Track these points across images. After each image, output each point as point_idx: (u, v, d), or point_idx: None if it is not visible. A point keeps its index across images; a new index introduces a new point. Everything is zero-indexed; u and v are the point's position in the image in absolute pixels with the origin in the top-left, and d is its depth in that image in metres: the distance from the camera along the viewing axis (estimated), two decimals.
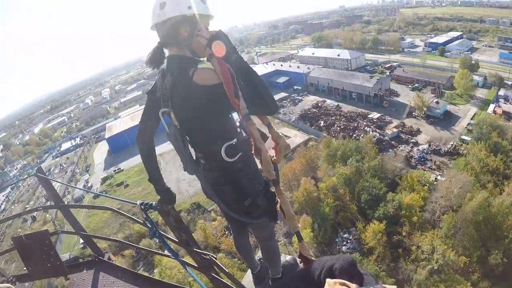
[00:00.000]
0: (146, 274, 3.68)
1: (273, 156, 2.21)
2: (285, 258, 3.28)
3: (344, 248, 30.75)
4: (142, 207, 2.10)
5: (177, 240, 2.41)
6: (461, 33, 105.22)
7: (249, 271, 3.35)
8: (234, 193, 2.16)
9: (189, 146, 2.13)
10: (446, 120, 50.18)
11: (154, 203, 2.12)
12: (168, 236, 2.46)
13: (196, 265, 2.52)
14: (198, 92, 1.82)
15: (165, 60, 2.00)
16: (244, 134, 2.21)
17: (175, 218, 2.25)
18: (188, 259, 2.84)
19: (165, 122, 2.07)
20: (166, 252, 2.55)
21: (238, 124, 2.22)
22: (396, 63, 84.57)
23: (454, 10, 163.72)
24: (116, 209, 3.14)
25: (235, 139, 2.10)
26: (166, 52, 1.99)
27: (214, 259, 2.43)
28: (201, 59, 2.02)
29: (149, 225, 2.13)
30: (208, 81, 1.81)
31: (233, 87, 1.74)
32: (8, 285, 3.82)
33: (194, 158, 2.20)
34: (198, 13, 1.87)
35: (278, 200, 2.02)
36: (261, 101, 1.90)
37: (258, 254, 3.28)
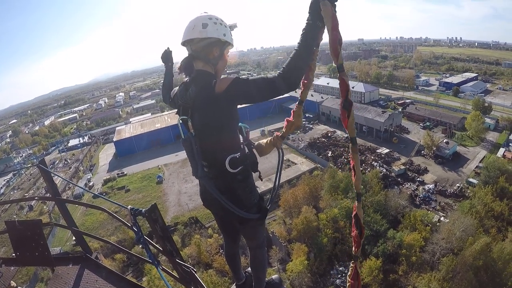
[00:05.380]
0: (131, 279, 3.68)
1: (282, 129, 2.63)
2: (271, 276, 3.36)
3: (338, 281, 30.09)
4: (132, 211, 2.15)
5: (161, 249, 2.43)
6: (476, 74, 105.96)
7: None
8: (231, 201, 2.33)
9: None
10: (455, 161, 49.70)
11: (143, 210, 2.17)
12: (154, 244, 2.48)
13: (178, 277, 2.53)
14: (218, 98, 2.10)
15: (181, 69, 2.34)
16: (246, 151, 2.47)
17: (161, 227, 2.28)
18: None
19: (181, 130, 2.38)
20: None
21: (242, 141, 2.50)
22: (409, 100, 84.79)
23: (471, 51, 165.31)
24: (108, 210, 3.18)
25: (239, 153, 2.33)
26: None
27: (194, 273, 2.44)
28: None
29: (135, 230, 2.17)
30: (222, 87, 2.08)
31: (338, 32, 1.86)
32: None
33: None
34: (229, 42, 2.29)
35: (351, 158, 2.09)
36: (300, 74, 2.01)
37: (247, 270, 3.37)
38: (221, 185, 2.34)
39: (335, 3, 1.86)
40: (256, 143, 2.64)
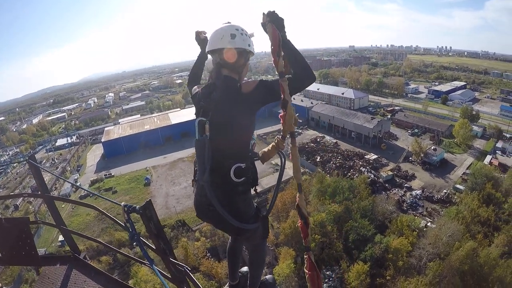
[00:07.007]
0: (120, 280, 3.62)
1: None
2: (265, 276, 3.39)
3: (325, 285, 30.11)
4: (126, 209, 2.12)
5: (154, 248, 2.40)
6: (464, 83, 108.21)
7: None
8: (230, 213, 2.32)
9: None
10: (442, 167, 50.57)
11: (137, 206, 2.14)
12: (147, 242, 2.45)
13: (170, 276, 2.50)
14: (244, 99, 2.28)
15: (212, 78, 2.45)
16: (250, 164, 2.48)
17: (156, 225, 2.25)
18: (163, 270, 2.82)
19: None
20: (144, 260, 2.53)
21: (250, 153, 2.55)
22: (398, 107, 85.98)
23: (460, 60, 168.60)
24: (100, 209, 3.13)
25: (245, 164, 2.36)
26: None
27: (188, 271, 2.41)
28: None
29: (128, 228, 2.13)
30: (249, 88, 2.31)
31: (278, 47, 2.15)
32: None
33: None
34: (252, 51, 2.46)
35: (291, 153, 2.24)
36: (307, 70, 2.26)
37: (240, 270, 3.37)
38: (221, 195, 2.32)
39: (278, 22, 2.17)
40: (259, 152, 2.68)
